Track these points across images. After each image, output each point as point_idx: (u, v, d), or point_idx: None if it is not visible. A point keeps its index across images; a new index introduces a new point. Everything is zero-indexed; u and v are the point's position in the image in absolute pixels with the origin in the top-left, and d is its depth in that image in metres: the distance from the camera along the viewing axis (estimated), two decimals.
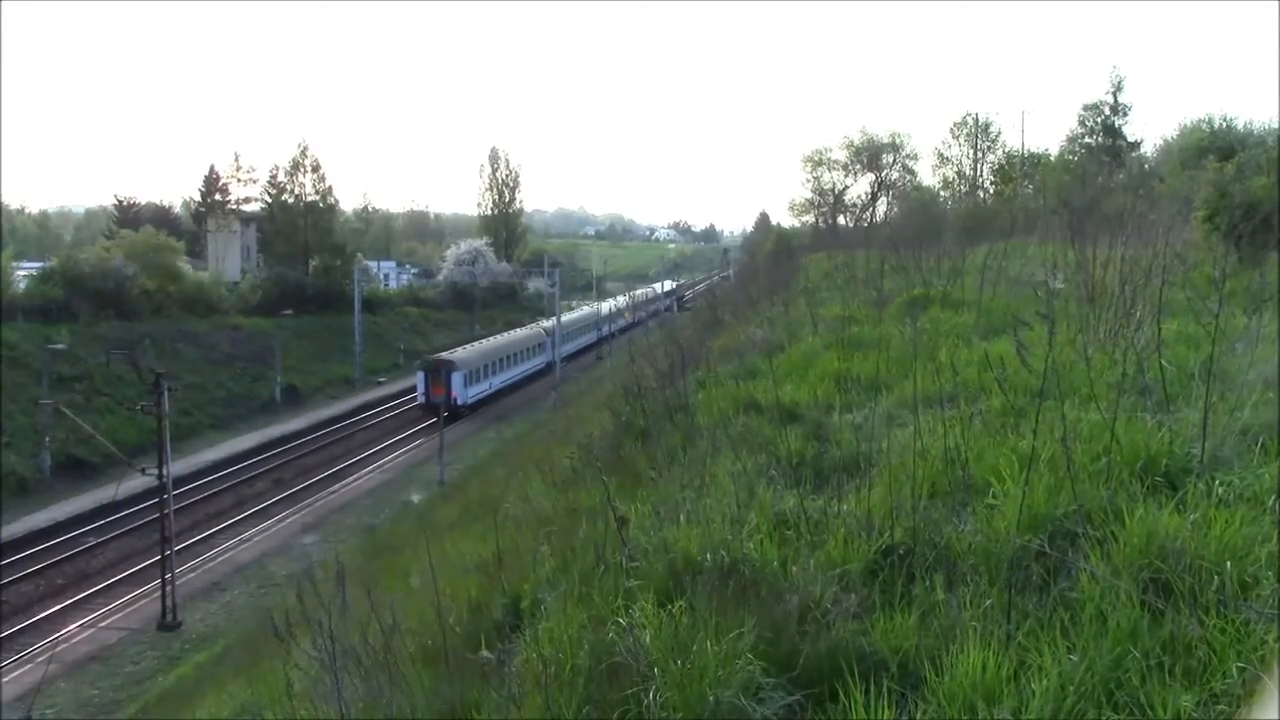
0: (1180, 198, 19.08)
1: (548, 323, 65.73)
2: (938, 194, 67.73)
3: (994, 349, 9.93)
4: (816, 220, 76.70)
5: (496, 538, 7.79)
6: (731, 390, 10.76)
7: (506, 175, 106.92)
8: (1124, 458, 6.08)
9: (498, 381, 56.08)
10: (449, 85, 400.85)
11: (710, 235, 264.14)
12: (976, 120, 67.42)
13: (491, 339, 62.82)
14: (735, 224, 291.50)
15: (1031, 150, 65.78)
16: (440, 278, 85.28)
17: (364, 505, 37.81)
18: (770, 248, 68.52)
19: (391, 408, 54.54)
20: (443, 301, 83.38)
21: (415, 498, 36.26)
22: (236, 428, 47.98)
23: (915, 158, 75.07)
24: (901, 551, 5.57)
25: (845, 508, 6.22)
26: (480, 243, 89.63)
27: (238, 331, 58.19)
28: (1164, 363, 7.77)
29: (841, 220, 75.34)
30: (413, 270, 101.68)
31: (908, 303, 15.53)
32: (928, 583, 5.16)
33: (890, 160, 74.98)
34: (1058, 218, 19.08)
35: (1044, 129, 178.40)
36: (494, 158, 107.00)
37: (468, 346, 57.89)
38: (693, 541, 5.79)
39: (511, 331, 66.31)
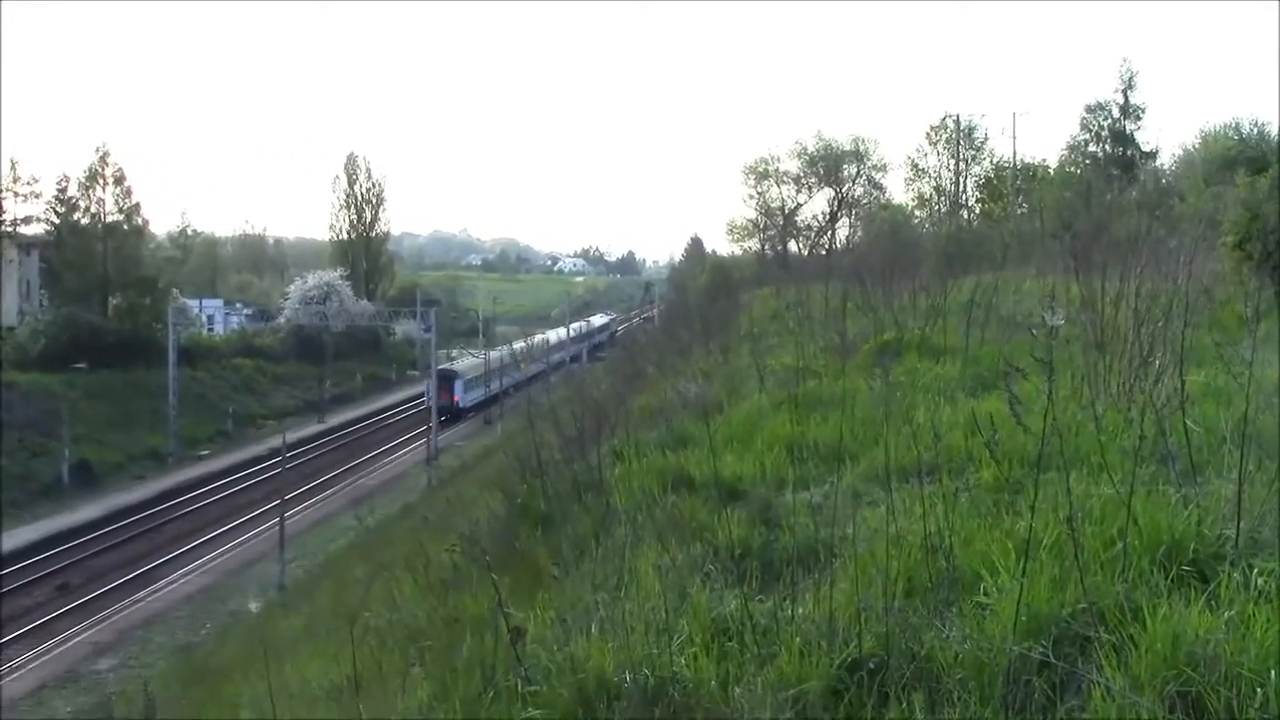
0: (1204, 219, 19.73)
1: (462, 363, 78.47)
2: (911, 214, 69.26)
3: (983, 407, 10.10)
4: (762, 247, 77.73)
5: (354, 656, 7.64)
6: (657, 462, 10.77)
7: (368, 189, 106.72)
8: (1143, 542, 6.19)
9: (492, 389, 71.38)
10: (294, 81, 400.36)
11: (628, 265, 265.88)
12: (958, 123, 69.15)
13: (484, 355, 78.77)
14: (660, 251, 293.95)
15: (1025, 160, 67.60)
16: (281, 320, 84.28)
17: (179, 618, 36.81)
18: (705, 281, 69.20)
19: (219, 488, 53.50)
20: (284, 351, 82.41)
21: (248, 606, 35.44)
22: (9, 518, 46.47)
23: (883, 169, 76.50)
24: (872, 665, 5.58)
25: (801, 611, 6.23)
26: (333, 275, 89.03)
27: (12, 391, 56.48)
28: (1189, 423, 7.93)
29: (793, 246, 76.43)
30: (245, 311, 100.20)
31: (876, 350, 15.78)
32: (904, 704, 5.18)
33: (853, 172, 76.43)
34: (1058, 243, 19.61)
35: (1040, 134, 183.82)
36: (351, 167, 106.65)
37: (467, 359, 79.06)
38: (608, 657, 5.75)
39: (502, 348, 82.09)
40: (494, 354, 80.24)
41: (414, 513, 34.98)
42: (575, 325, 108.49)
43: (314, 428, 69.42)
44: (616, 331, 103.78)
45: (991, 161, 69.48)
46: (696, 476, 9.97)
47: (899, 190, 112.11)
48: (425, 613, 9.27)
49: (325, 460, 60.85)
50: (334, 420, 72.46)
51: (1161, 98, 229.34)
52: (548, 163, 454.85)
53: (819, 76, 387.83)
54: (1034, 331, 7.35)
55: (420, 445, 62.72)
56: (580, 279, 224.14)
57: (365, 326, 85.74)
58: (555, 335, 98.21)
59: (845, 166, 76.09)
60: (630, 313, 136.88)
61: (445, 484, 44.84)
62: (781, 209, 77.80)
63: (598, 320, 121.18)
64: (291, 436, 56.39)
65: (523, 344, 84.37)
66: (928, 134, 70.64)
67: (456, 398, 72.67)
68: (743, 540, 7.78)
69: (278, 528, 38.38)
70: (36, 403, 55.81)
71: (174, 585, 40.52)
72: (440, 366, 72.97)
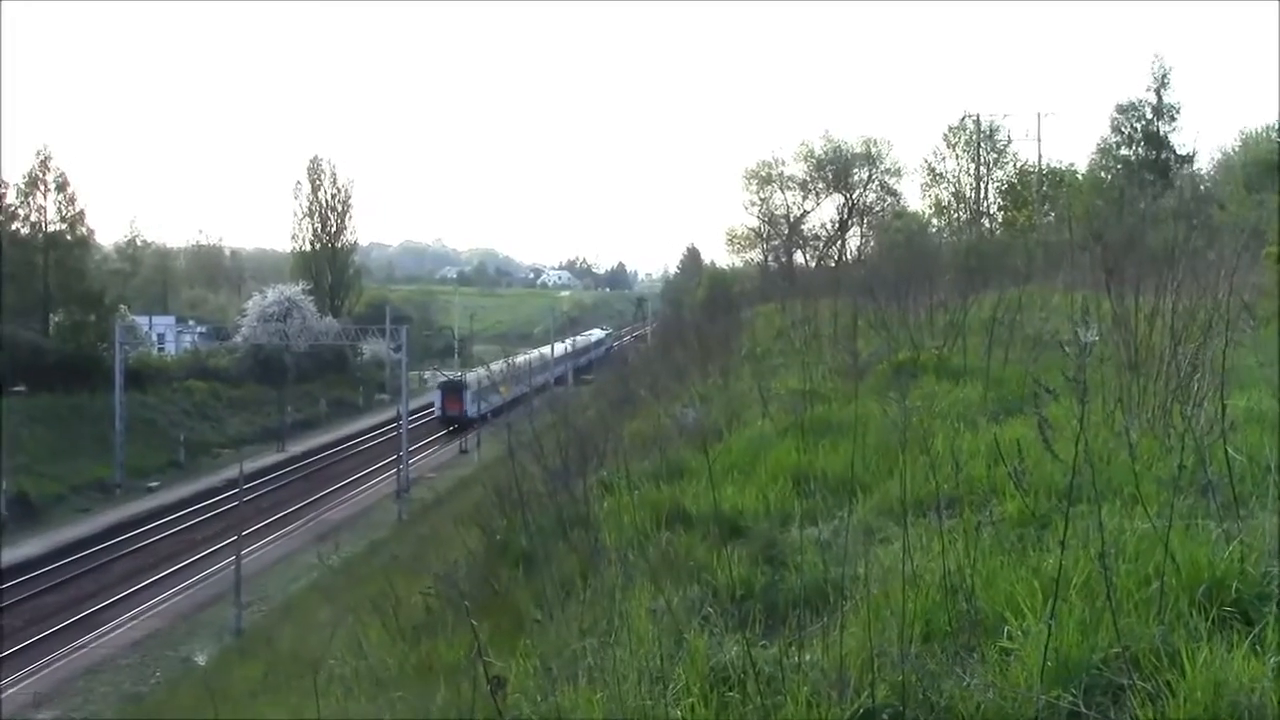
0: (1247, 229, 19.75)
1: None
2: (929, 222, 69.29)
3: (1008, 433, 10.12)
4: (765, 258, 77.73)
5: (317, 708, 7.60)
6: (650, 495, 10.75)
7: (333, 195, 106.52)
8: (1181, 581, 6.18)
9: (498, 400, 74.05)
10: (254, 80, 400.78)
11: (619, 278, 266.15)
12: (978, 124, 69.27)
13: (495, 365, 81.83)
14: (654, 263, 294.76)
15: (1052, 165, 67.80)
16: (238, 339, 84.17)
17: (126, 665, 36.64)
18: (703, 296, 69.26)
19: (170, 523, 53.35)
20: (242, 372, 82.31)
21: (201, 654, 35.26)
22: None
23: (898, 173, 76.70)
24: (887, 716, 5.58)
25: (809, 657, 6.21)
26: (295, 289, 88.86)
27: None
28: (1231, 451, 7.93)
29: (800, 258, 76.48)
30: (199, 329, 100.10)
31: (891, 371, 15.78)
32: None
33: (864, 177, 76.60)
34: (1087, 255, 19.63)
35: (1068, 137, 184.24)
36: (315, 171, 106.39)
37: (478, 370, 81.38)
38: (597, 709, 5.74)
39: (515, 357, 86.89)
40: (497, 366, 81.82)
41: (383, 550, 34.92)
42: (574, 339, 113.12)
43: (274, 457, 69.31)
44: (613, 347, 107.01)
45: (1015, 166, 69.72)
46: (693, 511, 9.96)
47: (914, 197, 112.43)
48: (396, 660, 9.24)
49: (286, 492, 60.73)
50: (296, 448, 72.34)
51: (1198, 97, 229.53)
52: (530, 167, 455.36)
53: (826, 73, 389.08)
54: (1065, 348, 7.34)
55: (390, 476, 62.66)
56: (566, 293, 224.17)
57: (330, 346, 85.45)
58: (538, 353, 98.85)
59: (856, 170, 76.33)
60: (621, 330, 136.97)
61: (417, 519, 44.80)
62: (786, 217, 78.02)
63: (595, 335, 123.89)
64: (249, 466, 56.27)
65: (524, 358, 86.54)
66: (946, 136, 70.79)
67: (464, 408, 79.46)
68: (744, 580, 7.77)
69: (234, 567, 38.24)
70: None
71: (121, 630, 40.34)
72: (445, 378, 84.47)
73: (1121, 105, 60.67)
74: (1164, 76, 60.19)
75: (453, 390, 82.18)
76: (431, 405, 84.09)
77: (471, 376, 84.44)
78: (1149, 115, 59.88)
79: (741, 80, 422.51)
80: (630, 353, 58.17)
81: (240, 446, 71.03)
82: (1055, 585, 5.84)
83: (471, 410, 79.49)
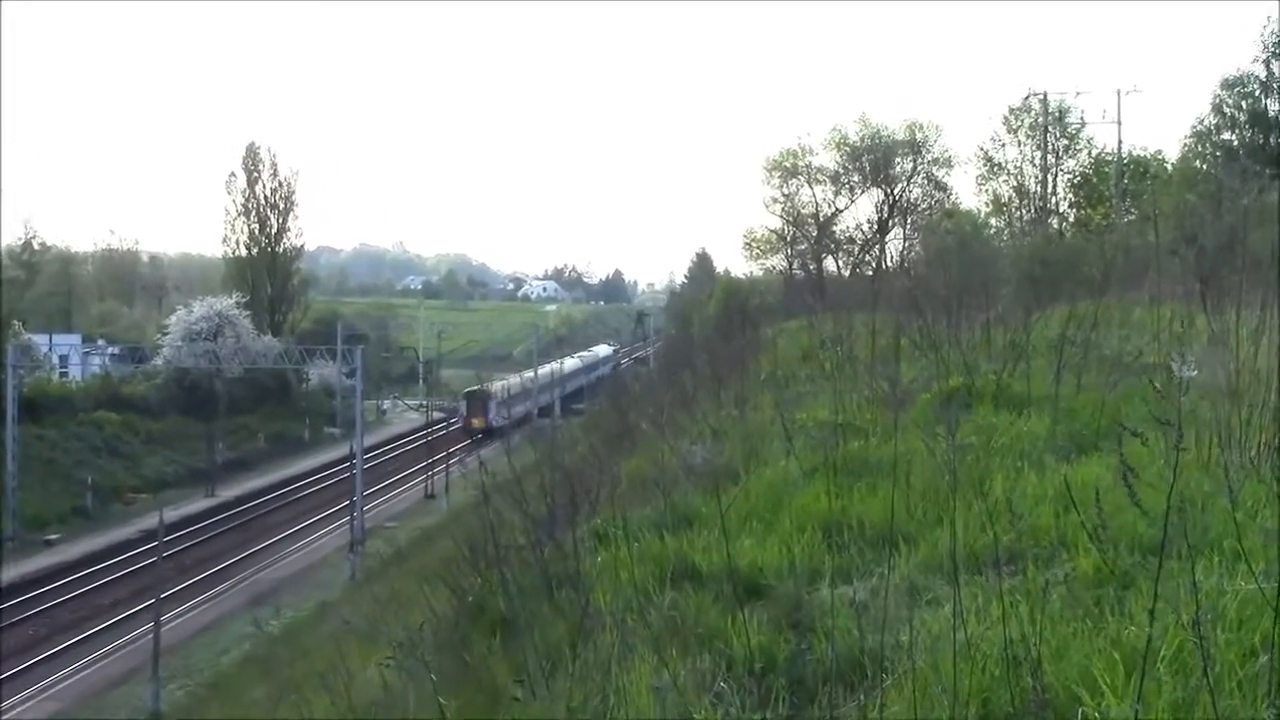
0: None
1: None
2: (985, 222, 69.16)
3: (1081, 475, 10.12)
4: (790, 265, 77.62)
5: None
6: (653, 548, 10.76)
7: (274, 189, 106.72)
8: None
9: (520, 410, 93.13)
10: (179, 51, 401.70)
11: (615, 290, 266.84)
12: (1046, 105, 69.17)
13: (517, 376, 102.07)
14: (656, 272, 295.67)
15: (1135, 152, 67.71)
16: (159, 362, 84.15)
17: None
18: (715, 310, 69.19)
19: (73, 583, 53.18)
20: (163, 401, 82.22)
21: None
22: None
23: (948, 164, 76.47)
24: None
25: None
26: (227, 302, 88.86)
27: None
28: None
29: (831, 265, 76.36)
30: (111, 350, 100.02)
31: (940, 400, 15.78)
32: None
33: (908, 168, 76.38)
34: (1178, 261, 19.65)
35: (1156, 118, 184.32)
36: (252, 162, 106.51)
37: (502, 381, 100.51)
38: None
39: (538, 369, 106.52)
40: (522, 377, 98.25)
41: (333, 614, 34.86)
42: (581, 354, 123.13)
43: (201, 503, 69.25)
44: (620, 363, 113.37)
45: (1090, 154, 69.56)
46: (704, 566, 9.99)
47: (968, 192, 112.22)
48: None
49: (216, 546, 60.64)
50: (228, 493, 72.25)
51: None
52: (510, 160, 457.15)
53: (860, 45, 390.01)
54: (1149, 379, 7.35)
55: (342, 526, 62.59)
56: (552, 307, 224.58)
57: (270, 370, 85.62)
58: (517, 378, 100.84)
59: (898, 161, 76.04)
60: (619, 350, 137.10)
61: (374, 577, 44.69)
62: (815, 216, 77.83)
63: (603, 351, 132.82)
64: (171, 515, 56.21)
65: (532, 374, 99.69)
66: (1006, 119, 70.43)
67: (489, 418, 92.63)
68: (765, 650, 7.77)
69: (152, 636, 38.15)
70: None
71: (14, 714, 40.23)
72: (471, 389, 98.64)
73: (1227, 79, 59.86)
74: (1277, 44, 59.33)
75: (477, 400, 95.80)
76: (390, 441, 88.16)
77: (496, 386, 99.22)
78: (1256, 91, 59.33)
79: (760, 56, 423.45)
80: (629, 377, 58.15)
81: (160, 491, 70.88)
82: (1142, 659, 5.83)
83: (496, 421, 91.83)
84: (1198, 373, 11.00)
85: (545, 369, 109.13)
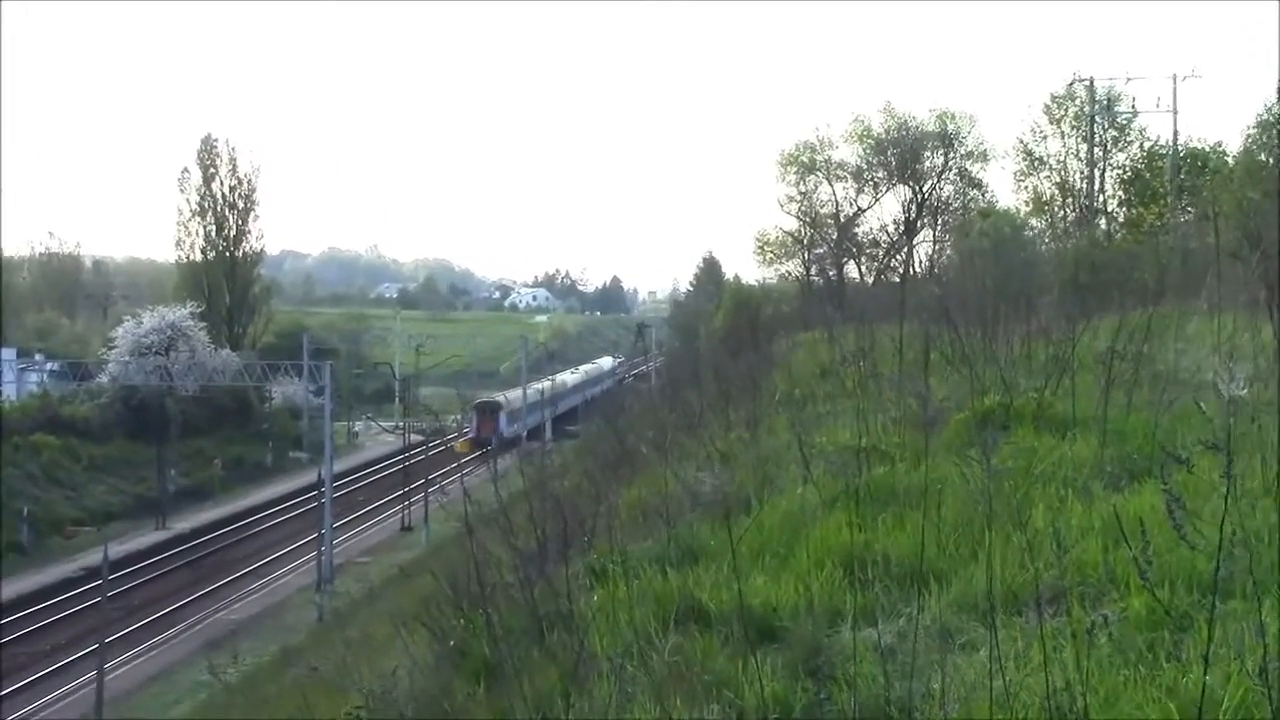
0: None
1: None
2: (1025, 223, 69.10)
3: (1132, 505, 10.10)
4: (807, 270, 77.63)
5: None
6: (655, 586, 10.75)
7: (233, 187, 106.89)
8: None
9: (532, 420, 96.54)
10: (128, 35, 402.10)
11: (613, 299, 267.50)
12: (1092, 92, 69.19)
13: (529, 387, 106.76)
14: (658, 278, 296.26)
15: (1192, 145, 67.65)
16: (104, 379, 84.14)
17: None
18: (723, 321, 69.21)
19: (7, 626, 53.05)
20: (109, 423, 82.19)
21: None
22: None
23: (983, 158, 76.50)
24: None
25: None
26: (181, 313, 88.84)
27: None
28: None
29: (853, 270, 76.40)
30: (50, 365, 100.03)
31: (975, 421, 15.75)
32: None
33: (939, 163, 76.37)
34: (1242, 266, 19.65)
35: (1216, 107, 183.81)
36: (208, 155, 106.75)
37: (511, 392, 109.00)
38: None
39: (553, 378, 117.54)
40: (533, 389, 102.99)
41: (297, 660, 34.78)
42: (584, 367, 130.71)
43: (152, 536, 69.27)
44: (626, 377, 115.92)
45: (1142, 147, 69.49)
46: (712, 606, 9.98)
47: (1006, 189, 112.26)
48: None
49: (167, 585, 60.67)
50: (181, 525, 72.31)
51: None
52: (497, 157, 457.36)
53: (883, 27, 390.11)
54: (1202, 405, 7.32)
55: (308, 562, 62.55)
56: (543, 318, 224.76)
57: (229, 388, 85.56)
58: (503, 396, 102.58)
59: (927, 155, 76.17)
60: (621, 363, 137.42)
61: (344, 618, 44.64)
62: (835, 216, 77.91)
63: (606, 364, 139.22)
64: (118, 550, 56.28)
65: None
66: (1048, 108, 70.44)
67: (500, 429, 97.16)
68: (780, 699, 7.77)
69: (95, 685, 38.10)
70: None
71: None
72: (481, 400, 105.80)
73: None
74: None
75: (487, 411, 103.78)
76: (363, 467, 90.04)
77: (512, 395, 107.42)
78: None
79: (772, 39, 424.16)
80: (628, 396, 58.02)
81: (105, 523, 70.89)
82: (1199, 709, 5.82)
83: (507, 432, 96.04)
84: (1247, 390, 10.98)
85: (549, 381, 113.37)
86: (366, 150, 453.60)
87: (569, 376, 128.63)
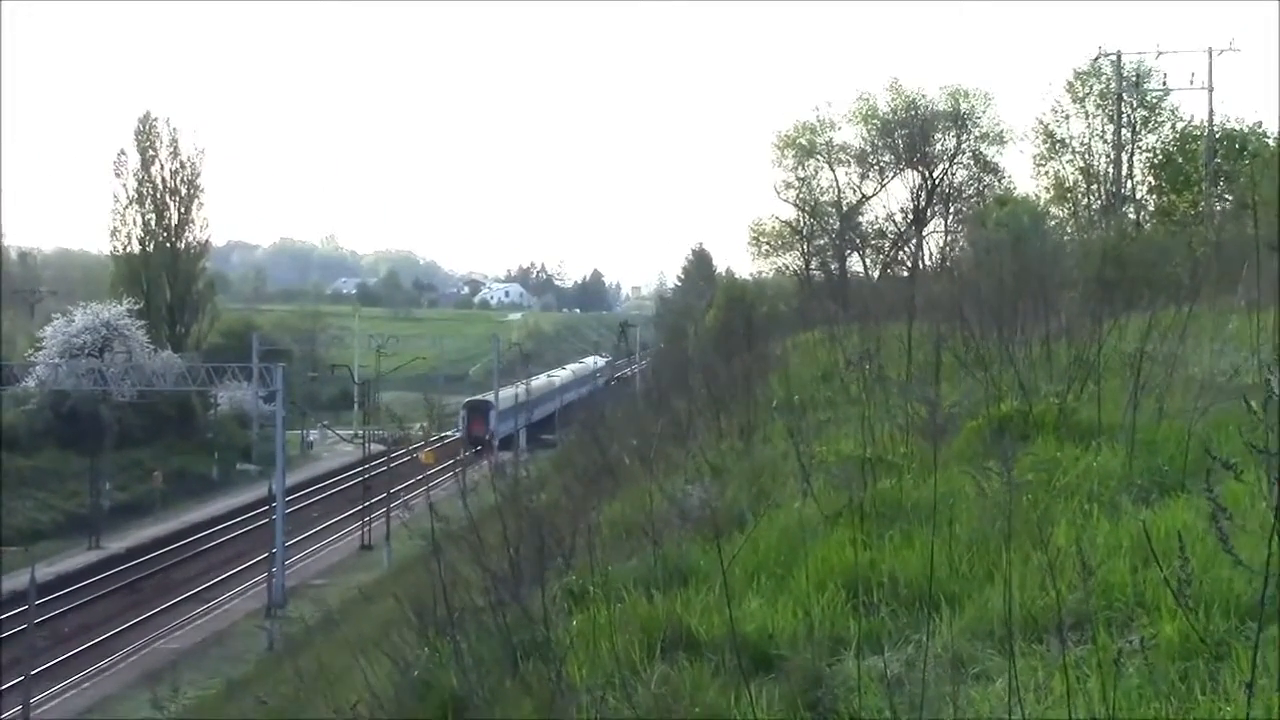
0: None
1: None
2: (1045, 212, 69.10)
3: (1164, 521, 10.11)
4: (806, 264, 77.63)
5: None
6: (640, 610, 10.75)
7: (175, 171, 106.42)
8: None
9: (523, 419, 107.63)
10: (53, 6, 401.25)
11: (593, 295, 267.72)
12: (1119, 68, 69.26)
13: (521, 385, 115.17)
14: (643, 273, 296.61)
15: (1229, 125, 67.72)
16: (30, 383, 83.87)
17: None
18: (715, 319, 69.30)
19: None
20: (36, 433, 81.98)
21: None
22: None
23: (1000, 141, 76.45)
24: None
25: None
26: (117, 310, 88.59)
27: None
28: None
29: (857, 262, 76.43)
30: None
31: (990, 430, 15.78)
32: None
33: (951, 146, 76.38)
34: None
35: (1256, 84, 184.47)
36: (147, 135, 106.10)
37: (505, 390, 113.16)
38: None
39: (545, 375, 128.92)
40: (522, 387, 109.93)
41: (245, 694, 34.77)
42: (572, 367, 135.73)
43: (84, 557, 69.09)
44: (611, 381, 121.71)
45: (1174, 128, 69.53)
46: (702, 632, 9.98)
47: (1024, 175, 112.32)
48: None
49: (102, 610, 60.58)
50: (117, 545, 72.12)
51: None
52: (464, 141, 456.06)
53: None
54: (1247, 401, 7.31)
55: (258, 585, 62.46)
56: (516, 316, 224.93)
57: (170, 393, 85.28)
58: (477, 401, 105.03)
59: (938, 137, 76.15)
60: (598, 368, 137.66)
61: (297, 647, 44.57)
62: (837, 204, 77.93)
63: (594, 364, 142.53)
64: (46, 572, 56.15)
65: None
66: (1071, 85, 70.45)
67: (490, 428, 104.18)
68: None
69: None
70: None
71: None
72: (472, 398, 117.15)
73: None
74: None
75: (478, 410, 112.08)
76: (319, 479, 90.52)
77: (503, 394, 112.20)
78: None
79: (767, 11, 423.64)
80: (609, 401, 58.03)
81: (33, 543, 70.67)
82: None
83: (498, 431, 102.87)
84: None
85: (542, 379, 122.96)
86: (322, 132, 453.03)
87: (559, 374, 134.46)
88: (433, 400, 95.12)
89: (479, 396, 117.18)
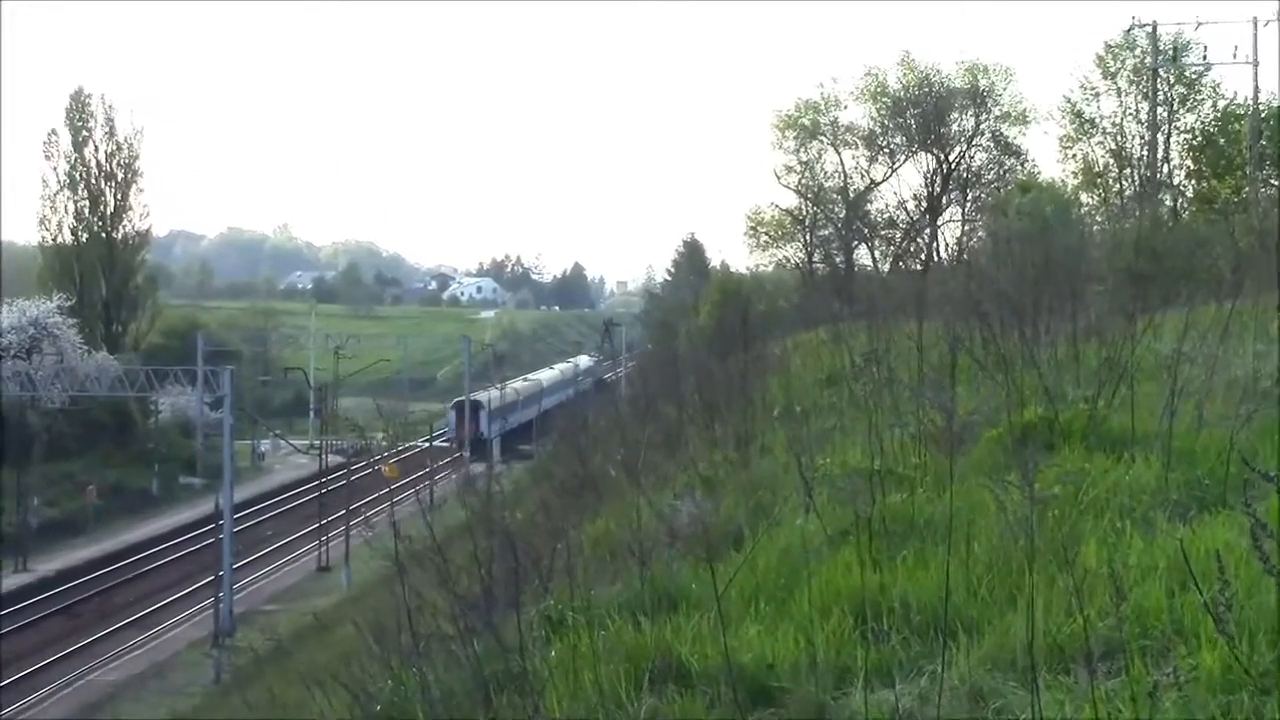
0: None
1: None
2: (1073, 199, 69.06)
3: (1203, 540, 10.12)
4: (809, 256, 77.64)
5: None
6: (625, 638, 10.76)
7: (111, 153, 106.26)
8: None
9: (513, 420, 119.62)
10: None
11: (574, 290, 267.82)
12: (1155, 39, 69.20)
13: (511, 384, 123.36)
14: (629, 266, 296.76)
15: (1276, 103, 67.65)
16: None
17: None
18: (709, 317, 69.34)
19: None
20: None
21: None
22: None
23: (1022, 120, 76.42)
24: None
25: None
26: (46, 307, 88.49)
27: None
28: None
29: (864, 255, 76.43)
30: None
31: (1012, 439, 15.80)
32: None
33: (969, 126, 76.34)
34: None
35: None
36: (79, 114, 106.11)
37: (492, 391, 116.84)
38: None
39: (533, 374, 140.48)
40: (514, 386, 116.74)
41: None
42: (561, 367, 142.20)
43: (10, 580, 69.01)
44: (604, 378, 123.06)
45: (1215, 106, 69.48)
46: (694, 663, 9.99)
47: (1049, 158, 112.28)
48: None
49: (31, 638, 60.53)
50: (47, 566, 72.09)
51: None
52: (432, 124, 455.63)
53: None
54: None
55: (203, 611, 62.44)
56: (489, 314, 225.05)
57: (105, 399, 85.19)
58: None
59: (955, 116, 76.18)
60: (578, 370, 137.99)
61: (246, 679, 44.65)
62: (843, 191, 77.93)
63: (584, 364, 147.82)
64: None
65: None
66: (1101, 59, 70.53)
67: (480, 428, 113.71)
68: None
69: None
70: None
71: None
72: (459, 399, 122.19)
73: None
74: None
75: (468, 410, 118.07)
76: (271, 494, 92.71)
77: (491, 394, 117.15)
78: None
79: None
80: (591, 408, 58.09)
81: None
82: None
83: (487, 431, 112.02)
84: None
85: (520, 382, 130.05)
86: (275, 111, 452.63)
87: (545, 374, 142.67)
88: (388, 409, 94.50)
89: (468, 396, 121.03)
